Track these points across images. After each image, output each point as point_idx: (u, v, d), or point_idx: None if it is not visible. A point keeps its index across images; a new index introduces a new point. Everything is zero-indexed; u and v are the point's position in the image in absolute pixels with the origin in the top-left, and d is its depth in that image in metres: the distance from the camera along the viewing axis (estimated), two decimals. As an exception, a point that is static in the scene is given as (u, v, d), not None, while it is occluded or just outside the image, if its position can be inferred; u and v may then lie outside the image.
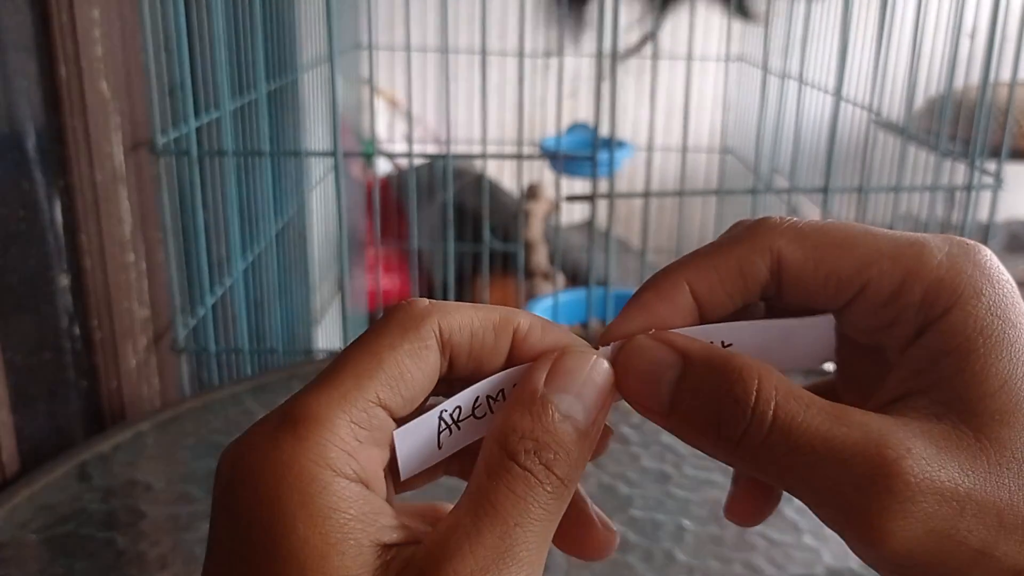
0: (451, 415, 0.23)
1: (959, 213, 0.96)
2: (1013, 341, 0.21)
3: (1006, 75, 0.92)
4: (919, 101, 1.04)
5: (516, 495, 0.21)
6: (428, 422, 0.23)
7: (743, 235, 0.24)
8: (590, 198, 0.98)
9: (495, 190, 1.81)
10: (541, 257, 1.78)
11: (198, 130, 0.81)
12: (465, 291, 1.69)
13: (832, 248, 0.23)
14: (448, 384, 0.24)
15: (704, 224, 1.59)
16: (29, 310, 0.63)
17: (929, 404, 0.21)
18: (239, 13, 0.90)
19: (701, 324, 0.24)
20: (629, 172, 1.80)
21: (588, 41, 1.50)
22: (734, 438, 0.21)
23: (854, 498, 0.20)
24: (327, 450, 0.19)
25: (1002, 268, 0.23)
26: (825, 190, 0.94)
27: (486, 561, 0.20)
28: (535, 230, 1.78)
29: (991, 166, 0.95)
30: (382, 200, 1.72)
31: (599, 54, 0.95)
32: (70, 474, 0.58)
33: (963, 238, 0.23)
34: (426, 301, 0.23)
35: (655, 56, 1.00)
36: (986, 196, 0.95)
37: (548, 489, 0.21)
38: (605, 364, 0.23)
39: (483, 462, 0.22)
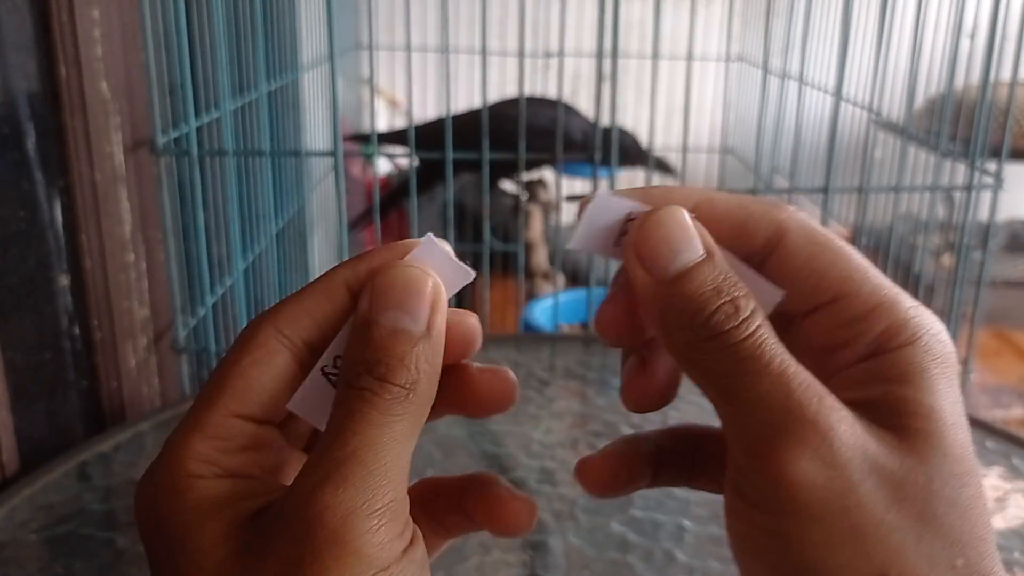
0: (333, 365, 0.25)
1: (959, 213, 0.96)
2: (948, 391, 0.23)
3: (1006, 75, 0.92)
4: (919, 101, 1.04)
5: (354, 410, 0.22)
6: (315, 381, 0.25)
7: (761, 201, 0.26)
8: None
9: (495, 190, 1.81)
10: (541, 257, 1.78)
11: (198, 130, 0.81)
12: (465, 291, 1.68)
13: (829, 251, 0.25)
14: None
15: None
16: (29, 310, 0.63)
17: (865, 412, 0.23)
18: (239, 13, 0.90)
19: None
20: (629, 172, 1.80)
21: (588, 41, 1.50)
22: (712, 331, 0.23)
23: (780, 421, 0.22)
24: (185, 465, 0.22)
25: (951, 342, 0.25)
26: (825, 190, 0.94)
27: (327, 469, 0.21)
28: (535, 230, 1.78)
29: (991, 166, 0.95)
30: (382, 200, 1.72)
31: (599, 54, 0.95)
32: (70, 474, 0.58)
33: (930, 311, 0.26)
34: (267, 311, 0.25)
35: (655, 56, 1.00)
36: (986, 196, 0.95)
37: (387, 397, 0.22)
38: (418, 270, 0.24)
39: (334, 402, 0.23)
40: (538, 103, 1.32)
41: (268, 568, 0.21)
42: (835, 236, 0.25)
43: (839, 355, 0.25)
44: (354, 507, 0.21)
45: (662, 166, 1.41)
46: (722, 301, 0.23)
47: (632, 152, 1.40)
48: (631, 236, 0.24)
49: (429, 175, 1.24)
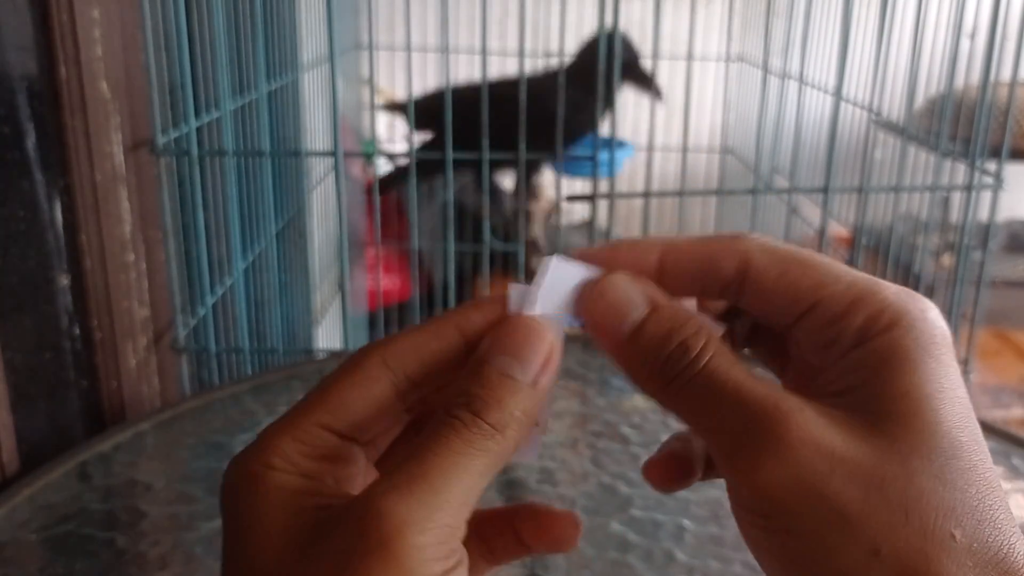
0: None
1: (959, 213, 0.96)
2: (929, 368, 0.24)
3: (1006, 75, 0.92)
4: (919, 101, 1.04)
5: (440, 435, 0.24)
6: None
7: (722, 236, 0.27)
8: (590, 198, 0.98)
9: (495, 190, 1.81)
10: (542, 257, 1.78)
11: (198, 130, 0.81)
12: (465, 291, 1.69)
13: (796, 263, 0.26)
14: (419, 401, 0.27)
15: (704, 224, 1.59)
16: (29, 310, 0.63)
17: (838, 401, 0.24)
18: (239, 13, 0.90)
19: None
20: (629, 172, 1.80)
21: (588, 41, 1.49)
22: (671, 375, 0.25)
23: (742, 436, 0.23)
24: (271, 461, 0.24)
25: (941, 322, 0.25)
26: (825, 190, 0.94)
27: (397, 480, 0.22)
28: (535, 230, 1.78)
29: (991, 166, 0.95)
30: (382, 200, 1.71)
31: (599, 54, 0.95)
32: (70, 474, 0.58)
33: (914, 292, 0.26)
34: (379, 340, 0.26)
35: (655, 56, 1.00)
36: (986, 196, 0.95)
37: (474, 431, 0.24)
38: (539, 323, 0.26)
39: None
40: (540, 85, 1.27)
41: (321, 559, 0.22)
42: (800, 249, 0.26)
43: (828, 353, 0.25)
44: (410, 520, 0.22)
45: (647, 83, 1.41)
46: (672, 347, 0.25)
47: (631, 66, 1.43)
48: (583, 309, 0.26)
49: (428, 166, 1.22)
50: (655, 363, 0.25)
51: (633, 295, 0.26)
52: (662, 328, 0.25)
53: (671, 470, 0.29)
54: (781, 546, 0.23)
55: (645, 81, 1.21)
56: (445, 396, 0.25)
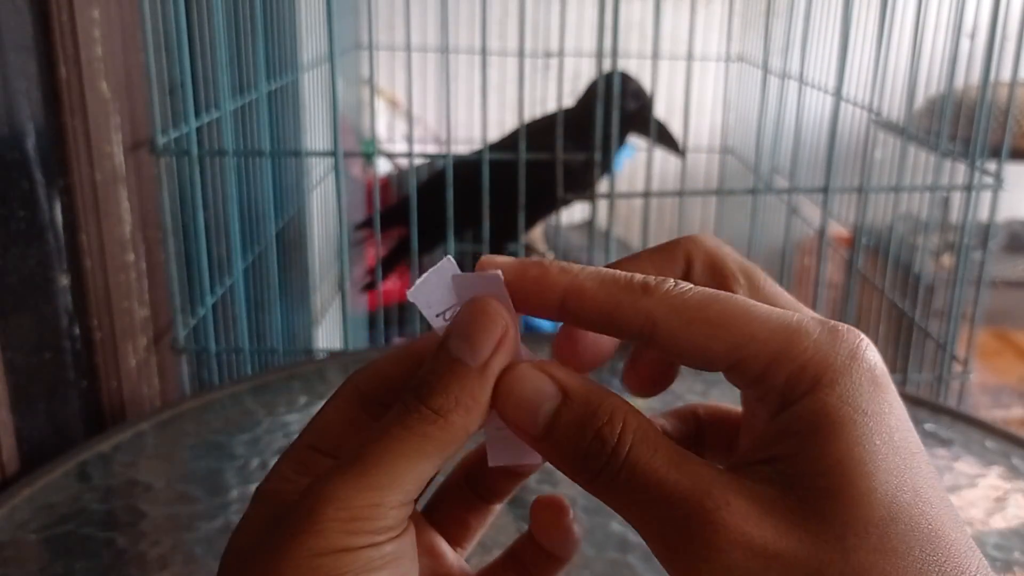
0: None
1: (959, 213, 0.96)
2: (859, 427, 0.22)
3: (1006, 75, 0.92)
4: (919, 101, 1.04)
5: (384, 421, 0.24)
6: None
7: (635, 284, 0.25)
8: (590, 198, 0.98)
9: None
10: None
11: (198, 130, 0.81)
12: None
13: (705, 326, 0.24)
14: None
15: (704, 224, 1.59)
16: (29, 310, 0.63)
17: (768, 472, 0.23)
18: (239, 13, 0.90)
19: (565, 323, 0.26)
20: (629, 172, 1.80)
21: (588, 41, 1.50)
22: (594, 470, 0.23)
23: (674, 539, 0.22)
24: (271, 478, 0.26)
25: (873, 356, 0.23)
26: (825, 190, 0.94)
27: (338, 465, 0.24)
28: (535, 230, 1.78)
29: (991, 166, 0.95)
30: (382, 200, 1.71)
31: (599, 54, 0.95)
32: (70, 474, 0.58)
33: (840, 324, 0.24)
34: (354, 371, 0.28)
35: (655, 56, 1.00)
36: (986, 196, 0.95)
37: (415, 416, 0.24)
38: (493, 305, 0.25)
39: None
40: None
41: (269, 532, 0.24)
42: (716, 298, 0.24)
43: (758, 413, 0.24)
44: (334, 497, 0.23)
45: (666, 138, 1.20)
46: (588, 441, 0.23)
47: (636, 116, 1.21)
48: (496, 405, 0.25)
49: (430, 235, 1.14)
50: (576, 459, 0.24)
51: (542, 385, 0.24)
52: (575, 419, 0.24)
53: (648, 375, 0.29)
54: None
55: (661, 135, 1.09)
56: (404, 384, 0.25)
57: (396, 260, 1.27)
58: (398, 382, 0.26)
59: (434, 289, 0.25)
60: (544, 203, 1.11)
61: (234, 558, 0.25)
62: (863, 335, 0.24)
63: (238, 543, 0.25)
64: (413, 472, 0.24)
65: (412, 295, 0.25)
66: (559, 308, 0.25)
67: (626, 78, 1.12)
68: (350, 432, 0.27)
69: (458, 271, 0.25)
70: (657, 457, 0.23)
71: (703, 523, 0.22)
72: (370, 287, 1.31)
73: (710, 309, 0.24)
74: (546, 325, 1.54)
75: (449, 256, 0.26)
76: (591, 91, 1.15)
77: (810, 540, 0.21)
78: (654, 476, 0.23)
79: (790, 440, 0.23)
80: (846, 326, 0.24)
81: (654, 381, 0.29)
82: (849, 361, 0.23)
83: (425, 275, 0.25)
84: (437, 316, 0.26)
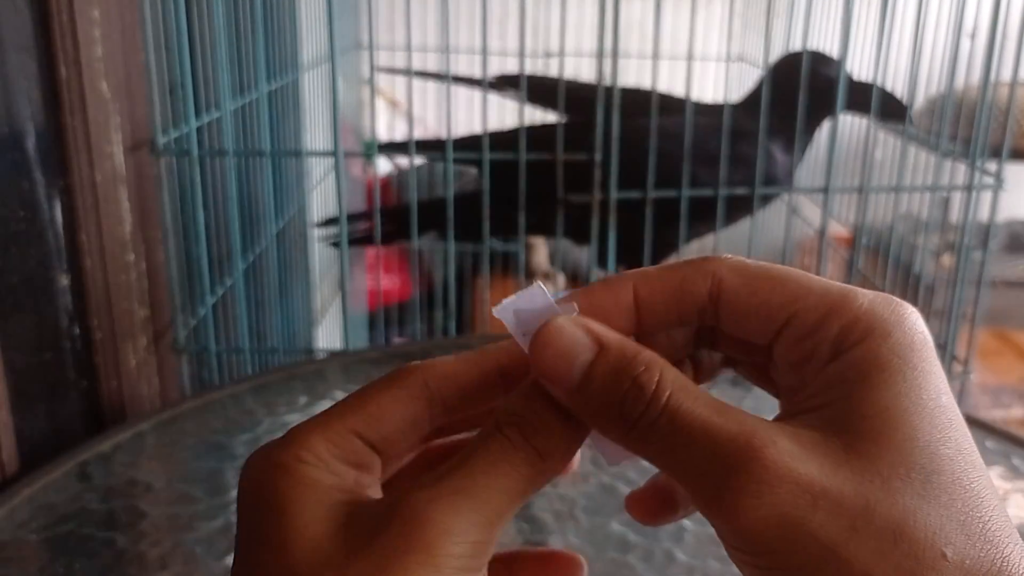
0: None
1: (959, 213, 0.96)
2: (907, 379, 0.23)
3: (1006, 75, 0.92)
4: (919, 101, 1.04)
5: (489, 451, 0.24)
6: None
7: (691, 260, 0.27)
8: (590, 198, 0.98)
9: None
10: (541, 257, 1.78)
11: (198, 130, 0.81)
12: (465, 291, 1.69)
13: (767, 280, 0.26)
14: (451, 428, 0.28)
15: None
16: (29, 310, 0.63)
17: (813, 419, 0.23)
18: (239, 13, 0.90)
19: (637, 327, 0.27)
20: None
21: (588, 41, 1.49)
22: (632, 418, 0.24)
23: (718, 478, 0.22)
24: (301, 455, 0.24)
25: (922, 324, 0.24)
26: (825, 190, 0.94)
27: (440, 492, 0.23)
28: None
29: (991, 166, 0.95)
30: (382, 200, 1.71)
31: (599, 54, 0.95)
32: (70, 474, 0.58)
33: (891, 296, 0.25)
34: (421, 361, 0.27)
35: (655, 56, 1.00)
36: (986, 196, 0.95)
37: (521, 455, 0.24)
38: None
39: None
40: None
41: (365, 553, 0.23)
42: (772, 265, 0.26)
43: (806, 368, 0.25)
44: (453, 531, 0.23)
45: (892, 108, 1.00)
46: (626, 387, 0.24)
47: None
48: (532, 363, 0.25)
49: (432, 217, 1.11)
50: (612, 408, 0.24)
51: (578, 337, 0.25)
52: (611, 368, 0.24)
53: (654, 504, 0.29)
54: None
55: (886, 105, 0.90)
56: (501, 406, 0.25)
57: (395, 229, 1.23)
58: (472, 391, 0.27)
59: (522, 309, 0.26)
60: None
61: (312, 550, 0.23)
62: (911, 306, 0.25)
63: (299, 545, 0.23)
64: (512, 509, 0.24)
65: (499, 312, 0.26)
66: (633, 300, 0.26)
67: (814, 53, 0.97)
68: (410, 432, 0.26)
69: (548, 295, 0.26)
70: (698, 403, 0.23)
71: (750, 460, 0.22)
72: (366, 241, 1.22)
73: (769, 268, 0.26)
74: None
75: (539, 282, 0.26)
76: (782, 73, 1.02)
77: (856, 479, 0.22)
78: (698, 420, 0.23)
79: (839, 387, 0.23)
80: (897, 298, 0.25)
81: (658, 510, 0.29)
82: (901, 320, 0.24)
83: (515, 296, 0.26)
84: (524, 335, 0.26)
